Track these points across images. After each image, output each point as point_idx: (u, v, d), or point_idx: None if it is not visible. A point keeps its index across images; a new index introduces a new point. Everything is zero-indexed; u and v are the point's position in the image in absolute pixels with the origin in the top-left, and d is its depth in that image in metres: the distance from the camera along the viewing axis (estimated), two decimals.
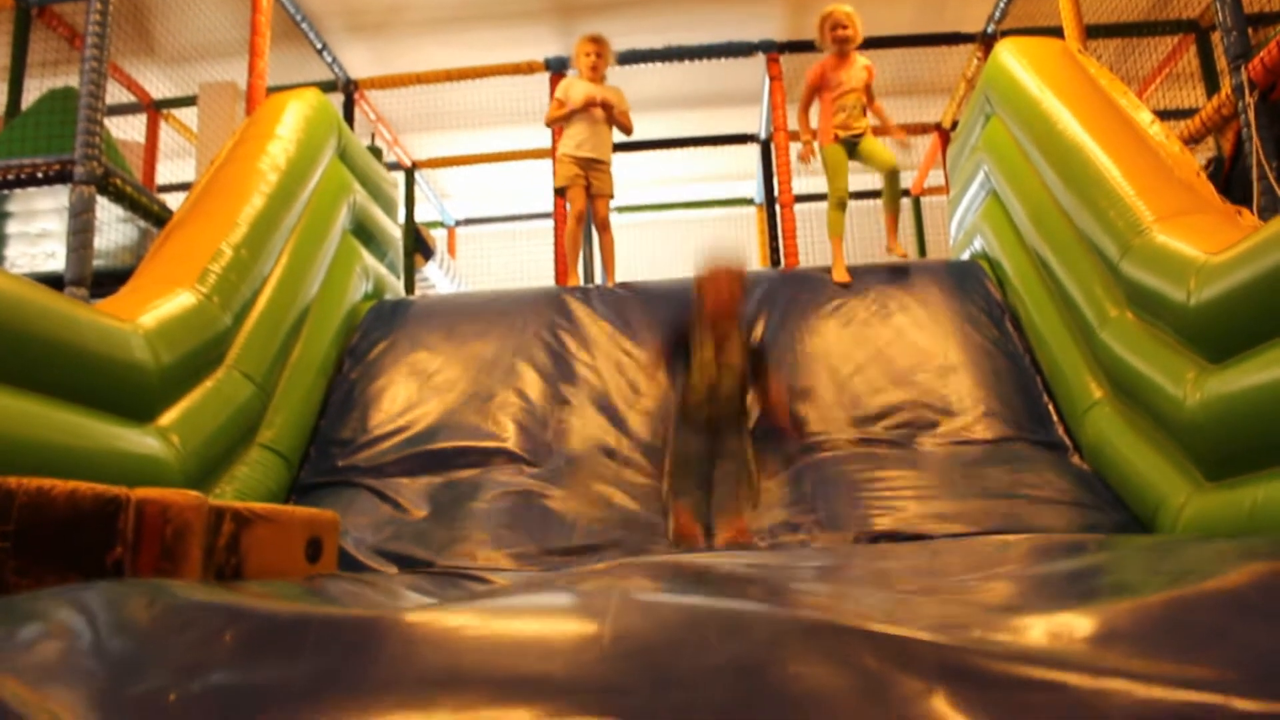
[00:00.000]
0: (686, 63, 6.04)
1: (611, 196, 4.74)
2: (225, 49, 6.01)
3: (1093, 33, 4.81)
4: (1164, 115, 3.92)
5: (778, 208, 5.84)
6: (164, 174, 6.60)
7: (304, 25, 5.92)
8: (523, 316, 4.19)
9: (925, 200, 7.35)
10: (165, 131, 6.61)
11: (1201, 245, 2.61)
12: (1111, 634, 0.93)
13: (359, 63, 6.79)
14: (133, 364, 2.73)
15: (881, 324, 3.97)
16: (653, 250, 7.32)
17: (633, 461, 3.55)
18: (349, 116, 6.14)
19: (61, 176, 3.59)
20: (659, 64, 5.99)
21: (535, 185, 6.63)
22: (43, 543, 1.42)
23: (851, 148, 4.40)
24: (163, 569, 1.51)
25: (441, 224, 8.01)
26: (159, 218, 4.03)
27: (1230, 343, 2.43)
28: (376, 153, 6.28)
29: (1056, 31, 4.41)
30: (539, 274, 6.06)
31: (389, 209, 5.11)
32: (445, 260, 7.55)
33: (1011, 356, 3.81)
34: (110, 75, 3.76)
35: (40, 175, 3.62)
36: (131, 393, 2.74)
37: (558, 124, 4.85)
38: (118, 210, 3.89)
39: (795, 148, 4.66)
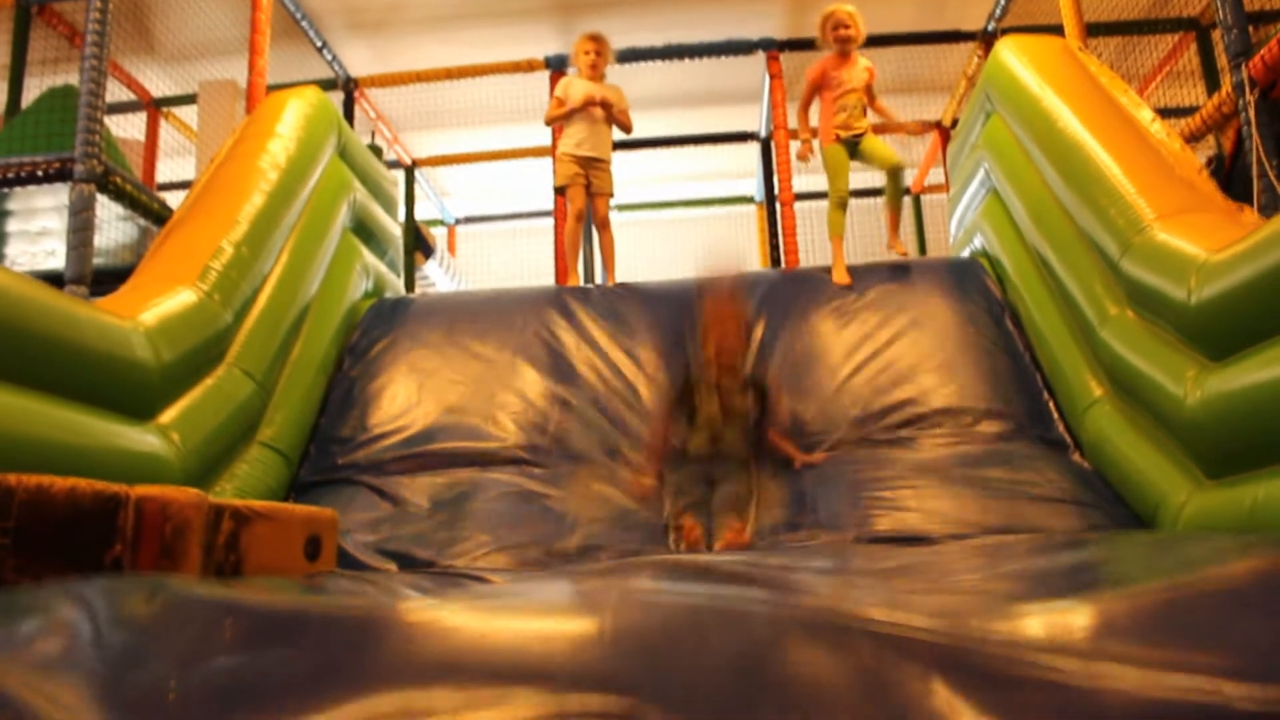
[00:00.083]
0: (686, 61, 6.03)
1: (611, 195, 4.73)
2: (225, 47, 6.00)
3: (1093, 31, 4.81)
4: (1164, 113, 3.91)
5: (778, 206, 5.84)
6: (164, 172, 6.59)
7: (304, 23, 5.92)
8: (523, 316, 4.19)
9: (925, 198, 7.35)
10: (165, 130, 6.61)
11: (1202, 243, 2.61)
12: (1110, 627, 0.94)
13: (359, 61, 6.79)
14: (133, 362, 2.73)
15: (881, 323, 3.97)
16: (653, 249, 7.33)
17: (633, 462, 3.55)
18: (349, 114, 6.14)
19: (61, 174, 3.59)
20: (659, 62, 5.98)
21: (535, 183, 6.62)
22: (42, 540, 1.42)
23: (853, 147, 4.39)
24: (162, 566, 1.51)
25: (441, 222, 8.01)
26: (159, 216, 4.03)
27: (1231, 341, 2.43)
28: (376, 151, 6.29)
29: (1057, 29, 4.41)
30: (539, 272, 6.06)
31: (389, 207, 5.11)
32: (445, 258, 7.55)
33: (1012, 355, 3.81)
34: (110, 73, 3.75)
35: (40, 173, 3.62)
36: (132, 390, 2.74)
37: (557, 123, 4.84)
38: (118, 208, 3.89)
39: (795, 146, 4.66)
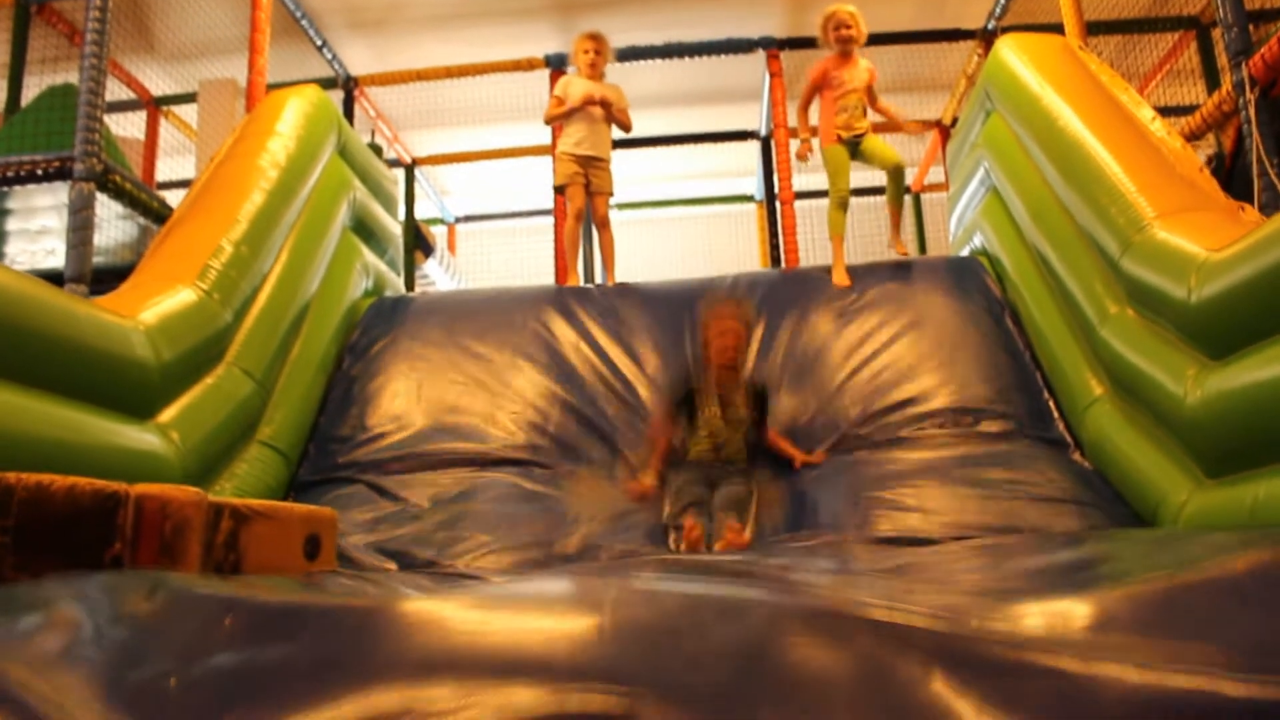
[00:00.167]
0: (686, 59, 6.03)
1: (611, 194, 4.73)
2: (225, 46, 6.00)
3: (1093, 29, 4.81)
4: (1165, 112, 3.91)
5: (778, 204, 5.83)
6: (164, 171, 6.59)
7: (304, 22, 5.92)
8: (523, 315, 4.19)
9: (925, 197, 7.34)
10: (165, 128, 6.61)
11: (1202, 242, 2.60)
12: (1108, 620, 0.94)
13: (359, 59, 6.78)
14: (134, 360, 2.72)
15: (881, 323, 3.96)
16: (653, 247, 7.33)
17: (633, 462, 3.55)
18: (349, 113, 6.13)
19: (61, 173, 3.59)
20: (659, 61, 5.98)
21: (535, 182, 6.62)
22: (42, 538, 1.42)
23: (854, 148, 4.39)
24: (162, 565, 1.51)
25: (441, 221, 8.01)
26: (159, 214, 4.03)
27: (1231, 340, 2.43)
28: (376, 150, 6.28)
29: (1057, 28, 4.40)
30: (539, 271, 6.06)
31: (389, 206, 5.11)
32: (445, 257, 7.54)
33: (1012, 354, 3.80)
34: (110, 72, 3.75)
35: (40, 172, 3.62)
36: (132, 389, 2.73)
37: (556, 122, 4.84)
38: (117, 207, 3.89)
39: (796, 145, 4.66)
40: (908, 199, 7.03)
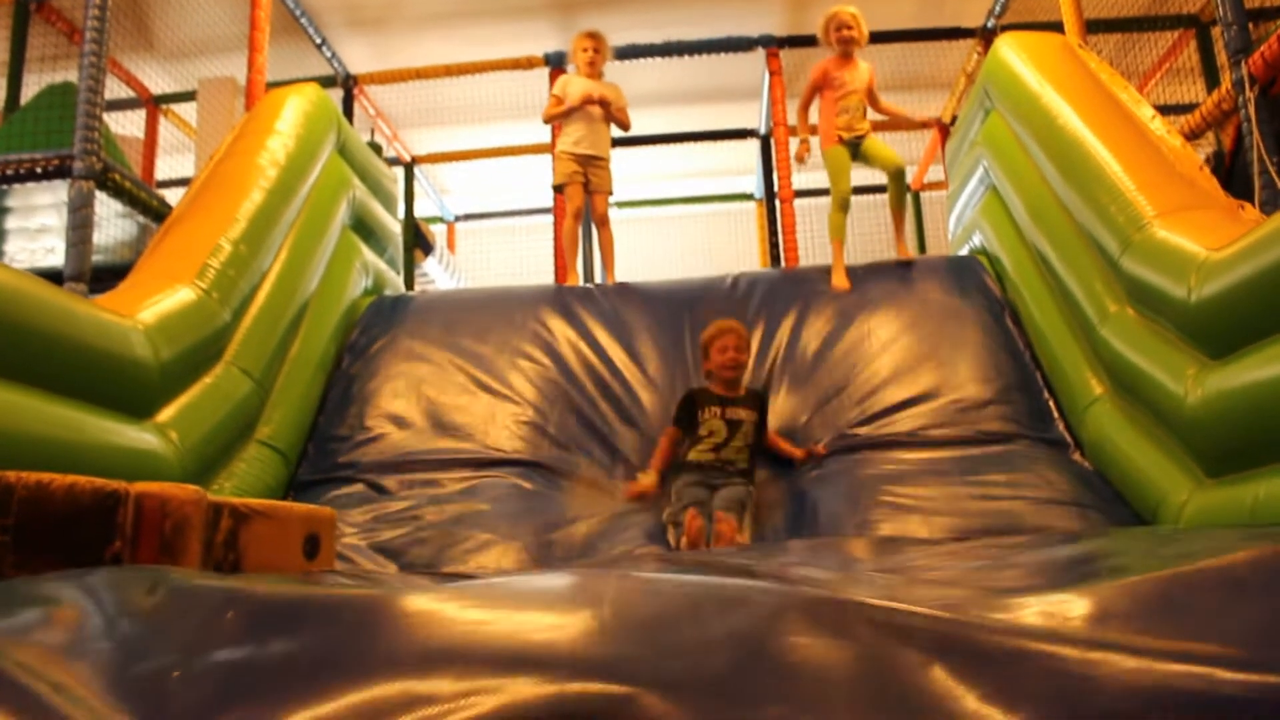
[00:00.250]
0: (686, 58, 6.03)
1: (611, 193, 4.74)
2: (224, 44, 6.00)
3: (1093, 27, 4.80)
4: (1164, 110, 3.90)
5: (778, 203, 5.83)
6: (163, 169, 6.59)
7: (303, 20, 5.91)
8: (522, 315, 4.18)
9: (925, 195, 7.34)
10: (164, 127, 6.61)
11: (1203, 241, 2.60)
12: (1107, 611, 0.95)
13: (358, 58, 6.78)
14: (133, 360, 2.72)
15: (880, 323, 3.96)
16: (652, 246, 7.32)
17: (633, 462, 3.56)
18: (348, 112, 6.13)
19: (60, 171, 3.58)
20: (658, 59, 5.98)
21: (535, 180, 6.62)
22: (42, 536, 1.42)
23: (854, 149, 4.39)
24: (161, 563, 1.51)
25: (441, 219, 8.00)
26: (158, 213, 4.03)
27: (1231, 339, 2.43)
28: (376, 148, 6.27)
29: (1056, 26, 4.40)
30: (539, 269, 6.06)
31: (388, 204, 5.11)
32: (445, 256, 7.54)
33: (1011, 353, 3.80)
34: (109, 70, 3.74)
35: (39, 170, 3.61)
36: (131, 388, 2.73)
37: (555, 121, 4.84)
38: (117, 205, 3.89)
39: (795, 144, 4.66)
40: (907, 197, 7.02)
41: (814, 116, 4.54)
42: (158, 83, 6.46)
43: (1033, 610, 0.96)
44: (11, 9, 5.18)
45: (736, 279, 4.37)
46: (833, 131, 4.39)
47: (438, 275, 7.32)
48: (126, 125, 6.20)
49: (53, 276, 2.95)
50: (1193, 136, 3.65)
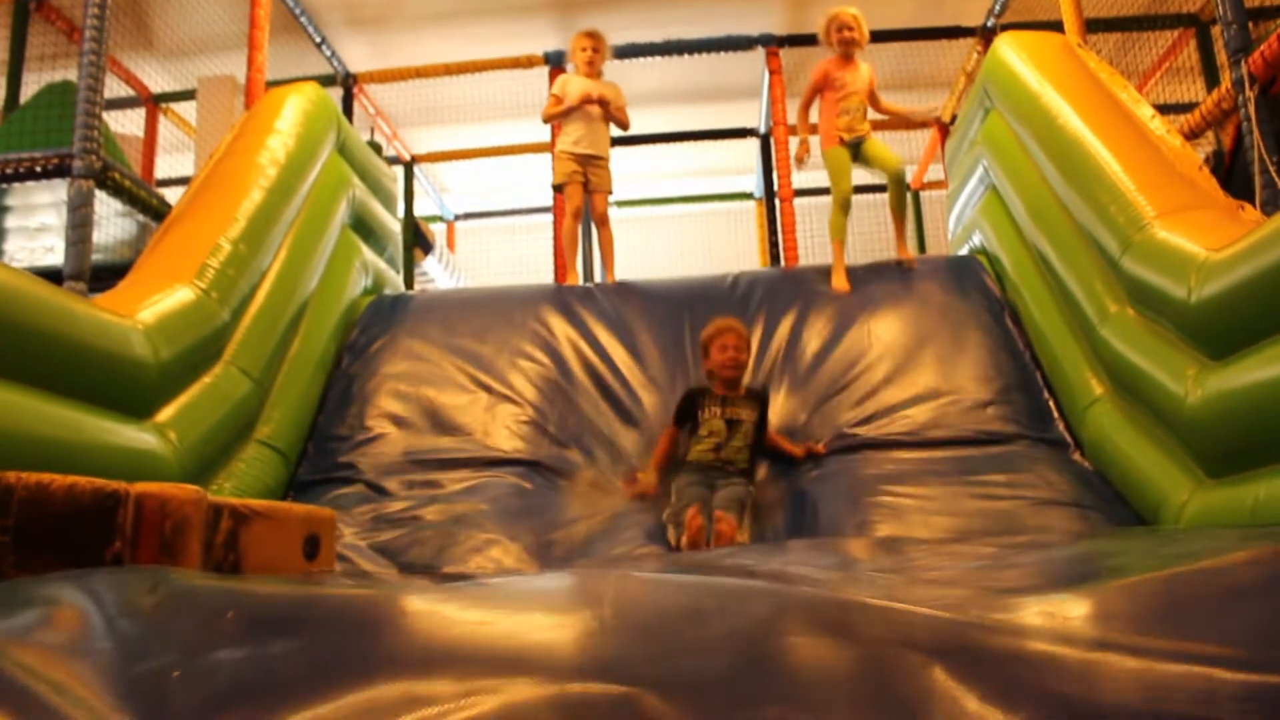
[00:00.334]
0: (685, 57, 6.03)
1: (610, 192, 4.73)
2: (224, 43, 5.99)
3: (1092, 27, 4.80)
4: (1164, 110, 3.90)
5: (777, 202, 5.83)
6: (163, 168, 6.59)
7: (303, 19, 5.91)
8: (522, 314, 4.18)
9: (925, 195, 7.34)
10: (164, 125, 6.60)
11: (1203, 241, 2.60)
12: (1107, 612, 0.95)
13: (358, 57, 6.77)
14: (132, 359, 2.72)
15: (880, 323, 3.96)
16: (652, 245, 7.32)
17: (634, 462, 3.55)
18: (348, 111, 6.13)
19: (60, 170, 3.58)
20: (658, 58, 5.98)
21: (535, 179, 6.62)
22: (42, 537, 1.42)
23: (855, 150, 4.39)
24: (161, 564, 1.51)
25: (441, 218, 8.00)
26: (158, 212, 4.03)
27: (1231, 339, 2.42)
28: (376, 147, 6.27)
29: (1056, 26, 4.40)
30: (538, 269, 6.05)
31: (388, 203, 5.11)
32: (444, 255, 7.54)
33: (1011, 353, 3.80)
34: (109, 69, 3.74)
35: (39, 169, 3.61)
36: (130, 388, 2.73)
37: (555, 120, 4.84)
38: (116, 204, 3.88)
39: (795, 144, 4.65)
40: (908, 199, 7.02)
41: (814, 117, 4.54)
42: (157, 81, 6.45)
43: (1033, 610, 0.96)
44: (11, 7, 5.18)
45: (736, 278, 4.37)
46: (833, 132, 4.39)
47: (437, 274, 7.32)
48: (126, 124, 6.20)
49: (52, 275, 2.95)
50: (1193, 136, 3.65)
